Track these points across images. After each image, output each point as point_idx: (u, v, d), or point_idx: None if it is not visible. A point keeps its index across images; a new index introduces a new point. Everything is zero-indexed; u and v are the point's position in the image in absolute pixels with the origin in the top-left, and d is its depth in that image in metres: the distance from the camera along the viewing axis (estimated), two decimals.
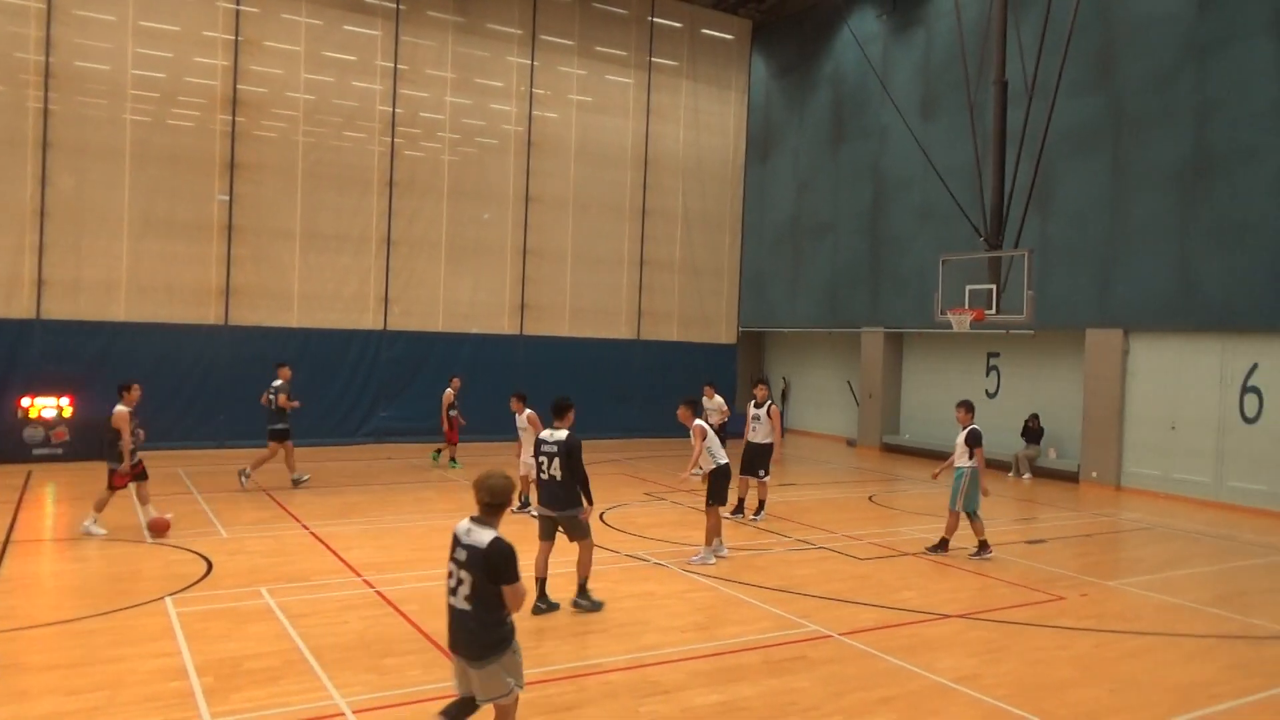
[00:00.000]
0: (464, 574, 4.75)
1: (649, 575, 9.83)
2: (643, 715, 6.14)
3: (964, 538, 11.40)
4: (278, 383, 14.35)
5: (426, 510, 13.19)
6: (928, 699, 6.63)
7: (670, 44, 24.05)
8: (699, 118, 24.63)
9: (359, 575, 9.42)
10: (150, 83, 17.87)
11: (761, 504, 13.26)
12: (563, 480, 8.34)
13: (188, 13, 18.18)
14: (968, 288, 15.43)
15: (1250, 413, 15.64)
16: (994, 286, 14.96)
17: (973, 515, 11.13)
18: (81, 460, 16.31)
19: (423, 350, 20.71)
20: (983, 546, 11.18)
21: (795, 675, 6.99)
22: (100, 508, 10.86)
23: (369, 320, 20.30)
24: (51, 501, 13.25)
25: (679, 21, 24.14)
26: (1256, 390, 15.59)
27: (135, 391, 11.02)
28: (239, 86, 18.66)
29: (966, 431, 11.11)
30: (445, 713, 5.00)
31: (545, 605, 8.31)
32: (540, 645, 7.44)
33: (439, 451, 17.62)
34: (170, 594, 8.48)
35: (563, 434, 8.49)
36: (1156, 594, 9.94)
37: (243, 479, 14.10)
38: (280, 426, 14.22)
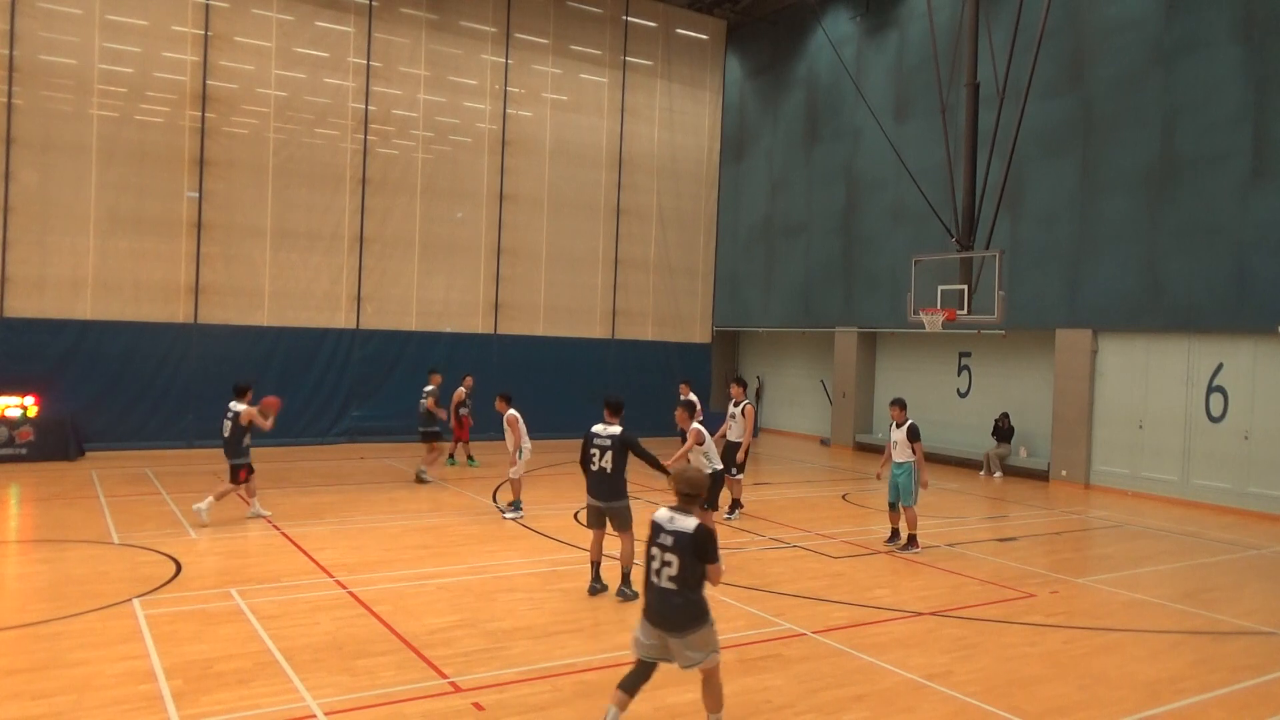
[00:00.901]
0: (670, 556, 5.35)
1: None
2: None
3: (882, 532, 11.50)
4: (429, 387, 15.64)
5: (399, 510, 13.10)
6: (900, 696, 6.68)
7: (645, 43, 24.05)
8: (674, 117, 24.66)
9: (331, 576, 9.34)
10: (118, 77, 17.61)
11: (736, 502, 13.33)
12: (613, 473, 8.82)
13: (156, 7, 17.91)
14: (940, 288, 15.59)
15: (1216, 412, 15.91)
16: (966, 287, 15.13)
17: (907, 508, 11.48)
18: (47, 460, 16.04)
19: (396, 349, 20.57)
20: (912, 541, 11.51)
21: (769, 673, 7.01)
22: (221, 497, 11.69)
23: (341, 319, 20.13)
24: (15, 503, 13.01)
25: (654, 21, 24.14)
26: (1221, 390, 15.85)
27: (249, 395, 11.88)
28: (209, 82, 18.42)
29: (906, 427, 11.39)
30: (624, 686, 5.58)
31: (599, 585, 8.98)
32: (514, 645, 7.42)
33: (453, 456, 17.62)
34: (138, 596, 8.36)
35: (616, 429, 8.97)
36: (1124, 591, 10.08)
37: (423, 479, 15.30)
38: (430, 429, 15.51)
